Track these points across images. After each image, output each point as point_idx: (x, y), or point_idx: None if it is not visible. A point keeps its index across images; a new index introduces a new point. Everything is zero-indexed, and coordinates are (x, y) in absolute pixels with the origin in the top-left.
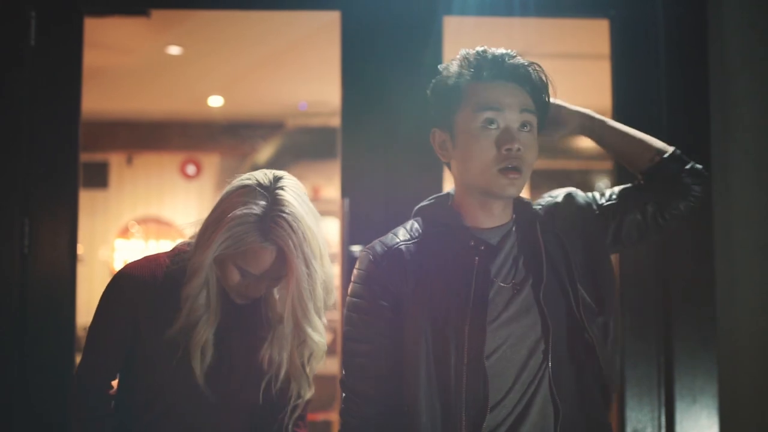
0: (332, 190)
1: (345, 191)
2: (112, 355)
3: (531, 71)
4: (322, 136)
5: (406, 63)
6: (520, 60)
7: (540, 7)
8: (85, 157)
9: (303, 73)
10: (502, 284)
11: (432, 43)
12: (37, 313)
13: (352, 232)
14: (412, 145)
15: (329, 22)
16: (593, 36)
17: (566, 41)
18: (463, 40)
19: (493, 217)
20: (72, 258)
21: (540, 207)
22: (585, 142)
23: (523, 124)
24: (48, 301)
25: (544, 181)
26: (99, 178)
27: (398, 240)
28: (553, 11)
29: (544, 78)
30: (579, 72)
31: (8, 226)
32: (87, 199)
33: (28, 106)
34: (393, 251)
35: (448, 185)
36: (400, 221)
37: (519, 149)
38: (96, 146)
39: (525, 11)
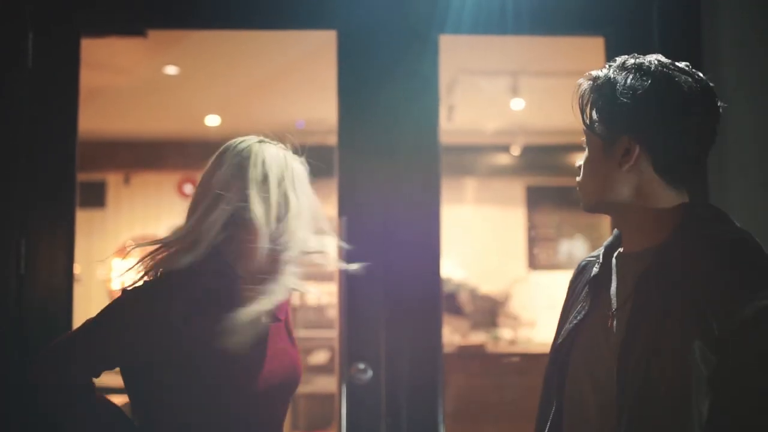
0: (329, 209)
1: (342, 209)
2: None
3: (583, 85)
4: (318, 155)
5: (402, 81)
6: (598, 72)
7: (535, 25)
8: (82, 176)
9: (299, 91)
10: (607, 314)
11: (428, 61)
12: (33, 334)
13: (349, 251)
14: (409, 163)
15: (325, 41)
16: (588, 54)
17: (561, 59)
18: (459, 59)
19: (626, 241)
20: (69, 278)
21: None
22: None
23: (587, 140)
24: (45, 321)
25: (541, 198)
26: (96, 197)
27: (590, 254)
28: (547, 29)
29: (590, 85)
30: (574, 90)
31: (5, 246)
32: (84, 218)
33: (25, 126)
34: (579, 264)
35: (447, 203)
36: (398, 239)
37: (577, 164)
38: (93, 166)
39: (519, 29)
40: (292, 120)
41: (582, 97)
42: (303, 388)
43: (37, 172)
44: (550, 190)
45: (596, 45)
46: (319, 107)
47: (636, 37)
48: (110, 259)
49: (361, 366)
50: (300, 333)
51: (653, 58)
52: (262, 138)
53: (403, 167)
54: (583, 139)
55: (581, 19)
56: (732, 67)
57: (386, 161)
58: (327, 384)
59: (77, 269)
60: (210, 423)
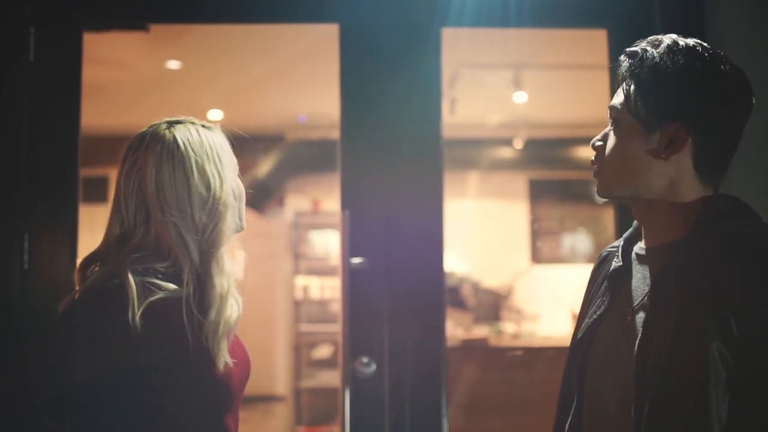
0: (332, 203)
1: (345, 204)
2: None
3: (623, 59)
4: (321, 149)
5: (404, 75)
6: (632, 49)
7: (537, 17)
8: (85, 172)
9: (302, 86)
10: (622, 314)
11: (430, 54)
12: (37, 329)
13: (352, 245)
14: (412, 157)
15: (328, 35)
16: (591, 47)
17: (564, 52)
18: (461, 52)
19: (647, 235)
20: (72, 274)
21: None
22: (585, 152)
23: (612, 121)
24: (48, 316)
25: (544, 191)
26: (99, 192)
27: (611, 244)
28: (550, 22)
29: (634, 66)
30: (577, 82)
31: (8, 241)
32: (87, 214)
33: (27, 121)
34: (601, 255)
35: (449, 197)
36: (401, 233)
37: (595, 144)
38: (96, 161)
39: (522, 22)
40: (295, 114)
41: (625, 75)
42: (306, 383)
43: (39, 167)
44: (553, 183)
45: (599, 38)
46: (322, 102)
47: (639, 29)
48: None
49: (365, 360)
50: (303, 327)
51: (698, 42)
52: (167, 121)
53: (405, 161)
54: (610, 121)
55: (583, 12)
56: (736, 61)
57: (389, 155)
58: (330, 378)
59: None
60: (201, 421)
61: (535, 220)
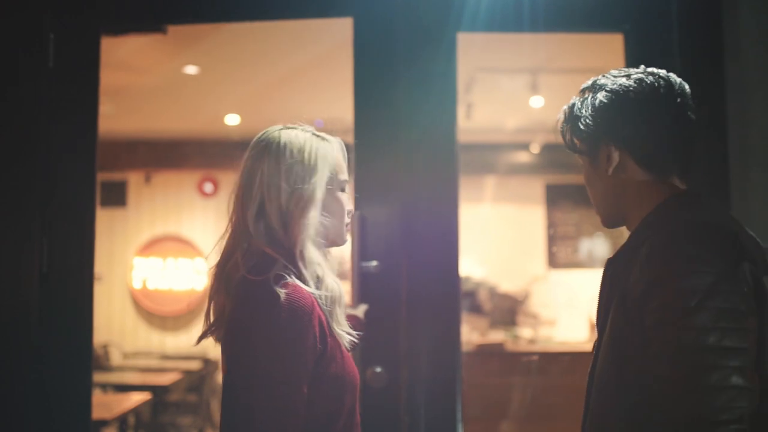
0: None
1: (358, 207)
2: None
3: (560, 117)
4: None
5: (420, 78)
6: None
7: (553, 22)
8: (103, 176)
9: (318, 90)
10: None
11: (445, 58)
12: (55, 332)
13: (364, 248)
14: (427, 161)
15: (343, 39)
16: (607, 51)
17: (580, 56)
18: (477, 56)
19: None
20: (89, 277)
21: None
22: None
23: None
24: (66, 319)
25: (561, 196)
26: (118, 196)
27: None
28: (566, 27)
29: (576, 107)
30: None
31: (27, 245)
32: (106, 217)
33: (46, 125)
34: None
35: (465, 201)
36: (416, 237)
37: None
38: (114, 165)
39: (538, 27)
40: (311, 119)
41: (560, 127)
42: None
43: (58, 171)
44: (570, 188)
45: (615, 42)
46: (336, 106)
47: (655, 33)
48: (131, 257)
49: (378, 369)
50: None
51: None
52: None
53: (420, 165)
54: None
55: (600, 16)
56: (754, 64)
57: (404, 159)
58: None
59: (98, 268)
60: (336, 413)
61: (551, 225)
